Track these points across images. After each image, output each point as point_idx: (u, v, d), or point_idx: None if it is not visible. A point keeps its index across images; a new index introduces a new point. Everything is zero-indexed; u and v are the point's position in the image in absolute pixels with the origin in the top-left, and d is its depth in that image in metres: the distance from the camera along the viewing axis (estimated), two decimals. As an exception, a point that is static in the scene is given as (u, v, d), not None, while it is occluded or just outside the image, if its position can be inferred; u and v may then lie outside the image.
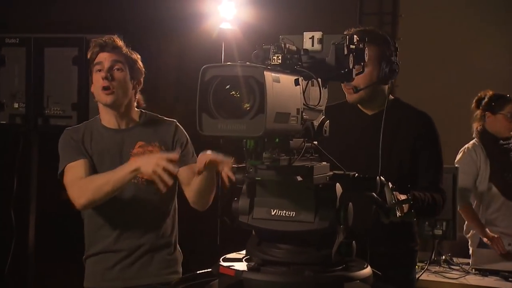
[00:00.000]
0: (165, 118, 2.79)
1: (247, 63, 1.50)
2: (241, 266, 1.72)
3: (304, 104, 1.64)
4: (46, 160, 3.44)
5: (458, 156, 4.36)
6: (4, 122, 3.23)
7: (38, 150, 3.28)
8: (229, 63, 1.48)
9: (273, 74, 1.47)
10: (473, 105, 4.60)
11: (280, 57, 1.63)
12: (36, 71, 3.19)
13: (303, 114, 1.63)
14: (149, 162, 2.36)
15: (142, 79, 2.74)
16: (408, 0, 7.26)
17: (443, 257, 3.82)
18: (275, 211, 1.68)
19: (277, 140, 1.60)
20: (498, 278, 3.50)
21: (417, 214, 2.47)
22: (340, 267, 1.72)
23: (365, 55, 1.86)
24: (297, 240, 1.69)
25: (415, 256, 2.85)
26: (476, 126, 4.46)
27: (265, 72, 1.43)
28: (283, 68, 1.62)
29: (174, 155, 2.41)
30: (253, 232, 1.77)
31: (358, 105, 2.76)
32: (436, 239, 3.72)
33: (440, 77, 6.70)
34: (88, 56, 2.68)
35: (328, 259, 1.69)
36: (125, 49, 2.68)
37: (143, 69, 2.74)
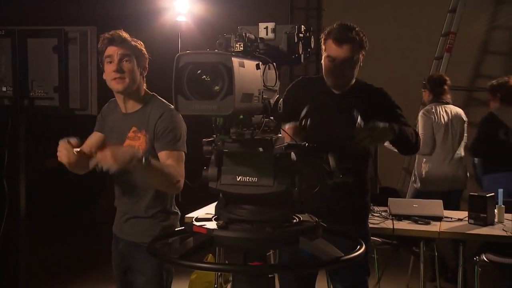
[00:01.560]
0: (165, 105, 2.52)
1: (216, 50, 1.40)
2: (212, 225, 1.65)
3: (263, 86, 1.56)
4: (32, 136, 3.27)
5: None
6: (-6, 104, 3.03)
7: (25, 127, 3.09)
8: (200, 51, 1.37)
9: (239, 60, 1.39)
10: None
11: (242, 45, 1.55)
12: (21, 59, 2.98)
13: (263, 94, 1.55)
14: (59, 155, 2.35)
15: (146, 64, 2.57)
16: (330, -4, 7.25)
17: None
18: (240, 177, 1.62)
19: (241, 116, 1.52)
20: (410, 222, 3.52)
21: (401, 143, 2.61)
22: (295, 223, 1.66)
23: (311, 43, 1.79)
24: (259, 202, 1.62)
25: (368, 209, 2.79)
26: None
27: (232, 58, 1.34)
28: (244, 54, 1.54)
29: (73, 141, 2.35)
30: (221, 196, 1.69)
31: (327, 84, 2.62)
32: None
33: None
34: (98, 48, 2.54)
35: (285, 216, 1.64)
36: (130, 40, 2.50)
37: (147, 55, 2.56)
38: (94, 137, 2.68)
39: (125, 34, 2.51)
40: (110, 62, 2.47)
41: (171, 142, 2.42)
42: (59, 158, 2.37)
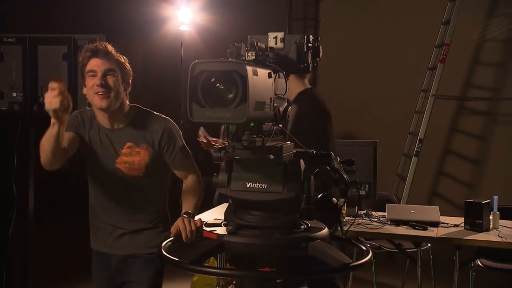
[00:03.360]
0: (159, 116, 2.35)
1: (230, 59, 1.37)
2: (221, 230, 1.62)
3: (274, 94, 1.53)
4: (41, 140, 3.23)
5: None
6: (5, 108, 3.03)
7: (34, 132, 3.07)
8: (215, 59, 1.34)
9: (252, 68, 1.36)
10: None
11: (253, 54, 1.52)
12: (31, 66, 2.98)
13: (274, 102, 1.52)
14: (48, 106, 1.96)
15: (130, 80, 2.32)
16: (327, 8, 7.24)
17: (365, 211, 3.77)
18: (249, 184, 1.58)
19: (252, 124, 1.49)
20: (407, 227, 3.48)
21: None
22: (304, 229, 1.63)
23: (320, 52, 1.76)
24: (268, 208, 1.59)
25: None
26: None
27: (247, 67, 1.31)
28: (256, 63, 1.50)
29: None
30: (230, 201, 1.66)
31: None
32: (361, 198, 3.66)
33: (355, 71, 6.71)
34: (80, 60, 2.28)
35: (294, 223, 1.61)
36: (115, 54, 2.26)
37: (131, 70, 2.32)
38: (69, 138, 2.26)
39: (110, 47, 2.27)
40: (93, 76, 2.22)
41: (183, 157, 2.33)
42: (50, 103, 1.94)
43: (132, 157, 2.29)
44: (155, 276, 2.35)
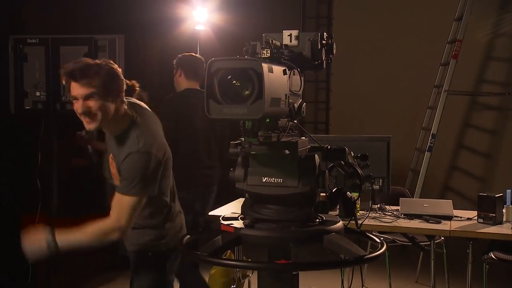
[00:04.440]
0: (134, 143, 2.09)
1: (246, 57, 1.38)
2: (238, 224, 1.62)
3: (289, 90, 1.53)
4: (63, 138, 3.28)
5: None
6: (28, 107, 3.07)
7: (57, 130, 3.11)
8: (231, 57, 1.35)
9: (268, 65, 1.36)
10: None
11: (268, 51, 1.52)
12: (54, 66, 3.01)
13: (289, 98, 1.53)
14: None
15: (123, 87, 2.08)
16: (340, 6, 7.21)
17: (378, 205, 3.76)
18: (265, 178, 1.59)
19: (267, 120, 1.49)
20: (421, 220, 3.46)
21: None
22: (319, 222, 1.63)
23: (334, 49, 1.76)
24: (284, 202, 1.60)
25: None
26: None
27: (262, 64, 1.31)
28: (271, 60, 1.51)
29: None
30: (247, 196, 1.67)
31: None
32: (375, 193, 3.65)
33: (368, 69, 6.67)
34: (63, 82, 2.07)
35: (309, 216, 1.61)
36: (95, 70, 1.99)
37: (121, 77, 2.07)
38: None
39: (88, 62, 2.02)
40: (76, 100, 2.03)
41: (124, 187, 2.08)
42: None
43: (112, 168, 2.20)
44: (150, 271, 2.27)
